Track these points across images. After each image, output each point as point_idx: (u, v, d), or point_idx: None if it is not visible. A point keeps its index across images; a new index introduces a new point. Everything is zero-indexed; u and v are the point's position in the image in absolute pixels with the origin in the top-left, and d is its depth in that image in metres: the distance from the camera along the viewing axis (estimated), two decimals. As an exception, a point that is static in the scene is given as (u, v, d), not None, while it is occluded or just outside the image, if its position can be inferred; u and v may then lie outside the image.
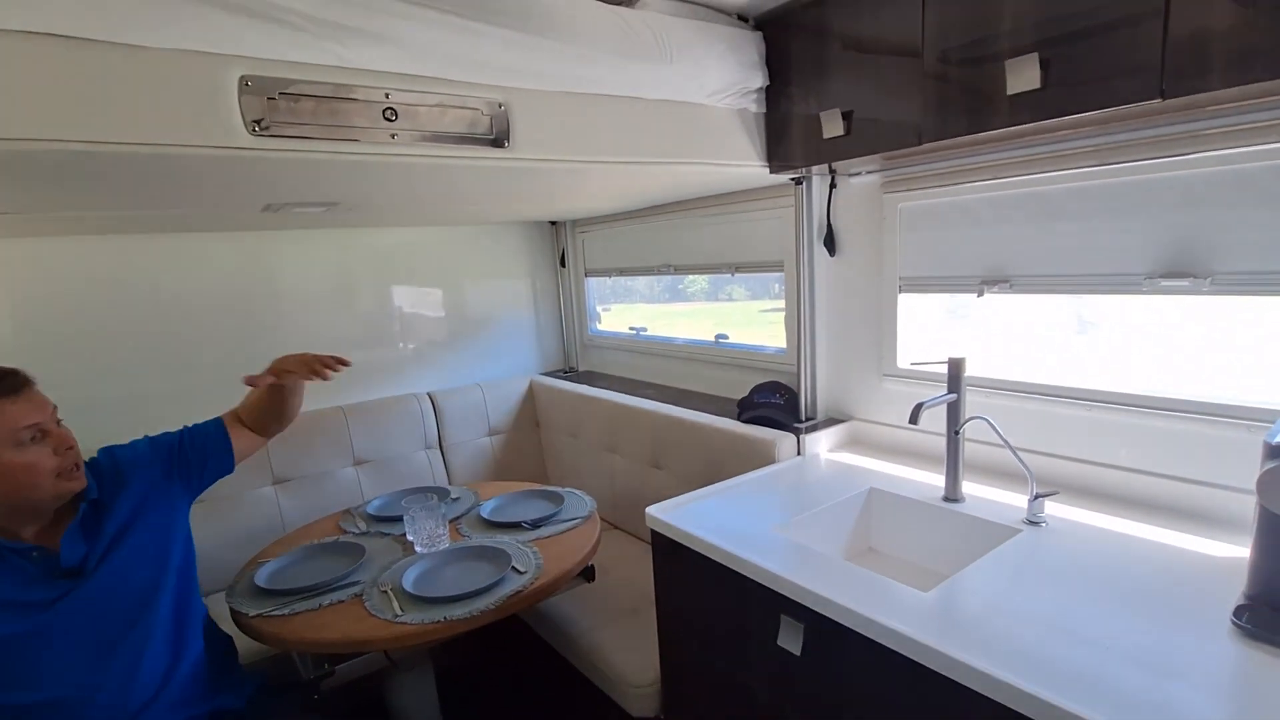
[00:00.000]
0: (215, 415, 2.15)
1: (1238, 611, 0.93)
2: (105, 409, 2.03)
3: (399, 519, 1.79)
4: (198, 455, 1.45)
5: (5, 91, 0.82)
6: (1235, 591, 0.96)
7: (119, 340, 2.05)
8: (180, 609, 1.34)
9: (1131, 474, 1.34)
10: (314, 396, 2.38)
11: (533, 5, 1.18)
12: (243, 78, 0.96)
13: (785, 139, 1.60)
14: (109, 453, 1.39)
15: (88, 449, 1.87)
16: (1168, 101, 0.99)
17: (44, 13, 0.82)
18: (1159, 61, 0.97)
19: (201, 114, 0.94)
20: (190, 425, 1.50)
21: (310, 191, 1.45)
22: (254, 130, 0.98)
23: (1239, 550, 1.10)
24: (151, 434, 2.03)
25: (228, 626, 1.47)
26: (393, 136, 1.11)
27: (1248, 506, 1.06)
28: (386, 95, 1.09)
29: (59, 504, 1.22)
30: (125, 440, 1.96)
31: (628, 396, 2.35)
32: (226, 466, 1.50)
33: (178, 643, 1.32)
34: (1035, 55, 1.08)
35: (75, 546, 1.21)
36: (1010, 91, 1.12)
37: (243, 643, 1.48)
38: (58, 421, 1.22)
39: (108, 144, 0.89)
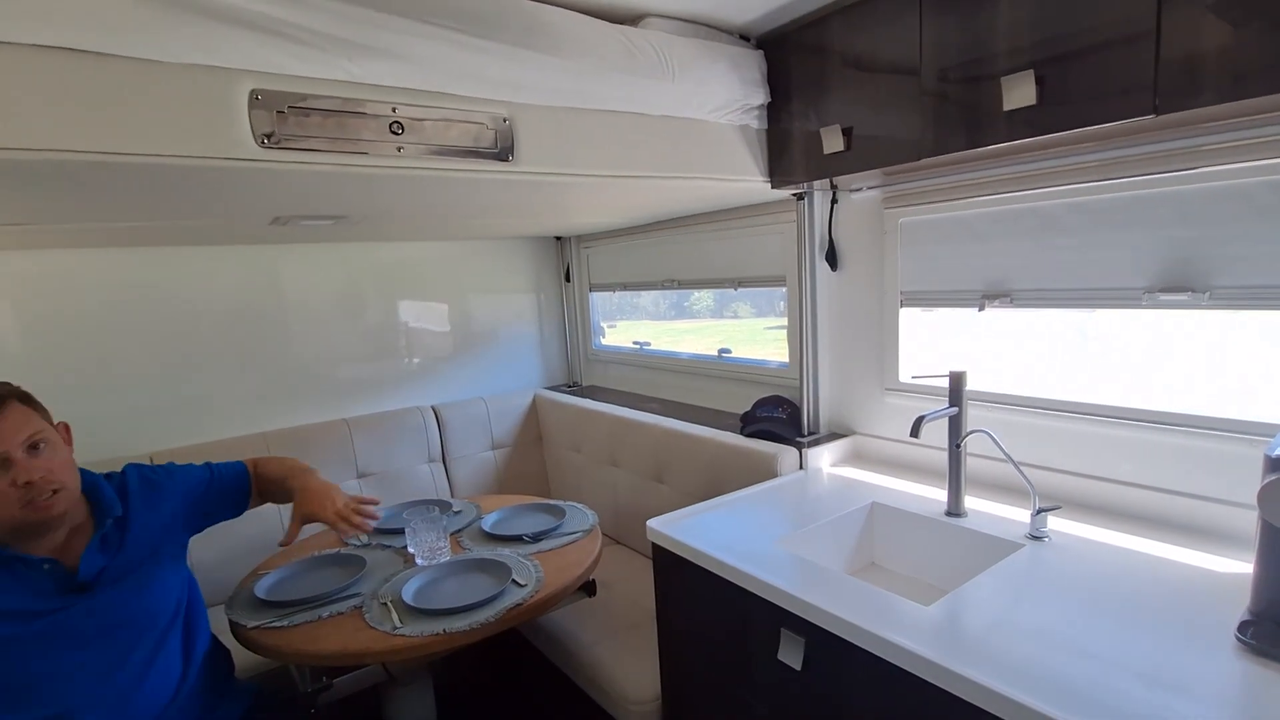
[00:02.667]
0: (218, 425, 2.20)
1: (1242, 627, 0.92)
2: (114, 420, 2.05)
3: (400, 531, 1.78)
4: (217, 498, 1.44)
5: (22, 103, 0.84)
6: (1239, 607, 0.96)
7: (128, 352, 2.07)
8: (189, 639, 1.33)
9: (1134, 489, 1.33)
10: (317, 409, 2.40)
11: (537, 23, 1.21)
12: (253, 92, 0.98)
13: (787, 155, 1.62)
14: (139, 472, 1.37)
15: (97, 460, 1.90)
16: (1162, 118, 1.01)
17: (60, 27, 0.84)
18: (1152, 79, 0.99)
19: (212, 127, 0.96)
20: (216, 465, 1.48)
21: (318, 204, 1.48)
22: (263, 143, 1.00)
23: (1242, 565, 1.10)
24: (159, 444, 2.07)
25: (226, 639, 1.47)
26: (399, 150, 1.13)
27: (1251, 521, 1.05)
28: (393, 109, 1.11)
29: (55, 523, 1.17)
30: (133, 449, 2.01)
31: (630, 410, 2.35)
32: (237, 513, 1.49)
33: (185, 669, 1.31)
34: (1030, 72, 1.09)
35: (93, 561, 1.20)
36: (1007, 108, 1.13)
37: (240, 656, 1.47)
38: (37, 445, 1.14)
39: (121, 155, 0.91)
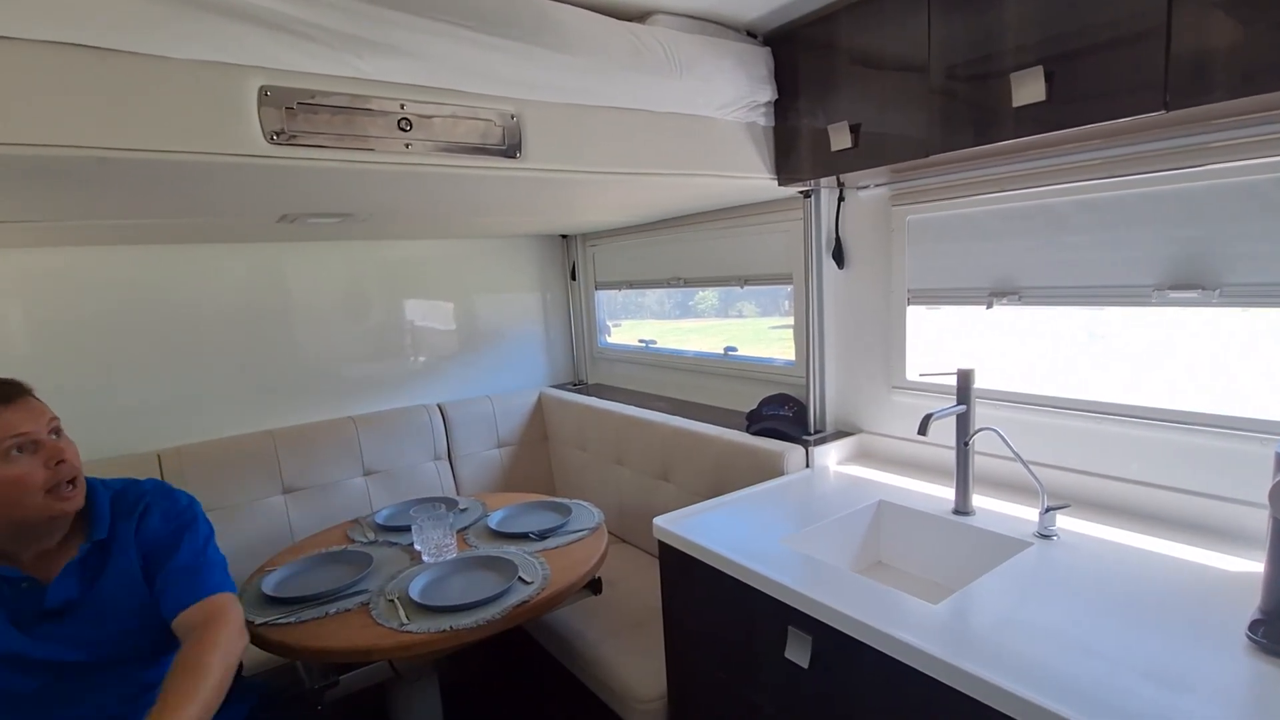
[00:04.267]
0: (225, 423, 2.21)
1: (1253, 626, 0.91)
2: (120, 417, 2.06)
3: (407, 529, 1.79)
4: (162, 581, 1.23)
5: (32, 99, 0.85)
6: (1249, 606, 0.95)
7: (134, 349, 2.08)
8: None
9: (1143, 487, 1.32)
10: (324, 407, 2.41)
11: (546, 20, 1.21)
12: (262, 88, 0.98)
13: (794, 152, 1.61)
14: (162, 491, 1.29)
15: (105, 458, 1.91)
16: (1172, 114, 1.00)
17: (71, 24, 0.84)
18: (1162, 76, 0.98)
19: (222, 123, 0.97)
20: (204, 561, 1.26)
21: (326, 201, 1.48)
22: (272, 139, 1.01)
23: (1253, 564, 1.09)
24: (165, 441, 2.07)
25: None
26: (407, 146, 1.13)
27: (1261, 520, 1.05)
28: (401, 106, 1.11)
29: (56, 525, 1.15)
30: (140, 446, 2.02)
31: (636, 409, 2.35)
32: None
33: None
34: (1040, 68, 1.09)
35: (66, 587, 1.14)
36: (1016, 104, 1.13)
37: (248, 652, 1.47)
38: (56, 433, 1.13)
39: (131, 151, 0.91)
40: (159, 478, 1.98)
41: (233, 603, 1.23)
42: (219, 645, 1.11)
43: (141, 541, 1.22)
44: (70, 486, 1.13)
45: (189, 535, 1.26)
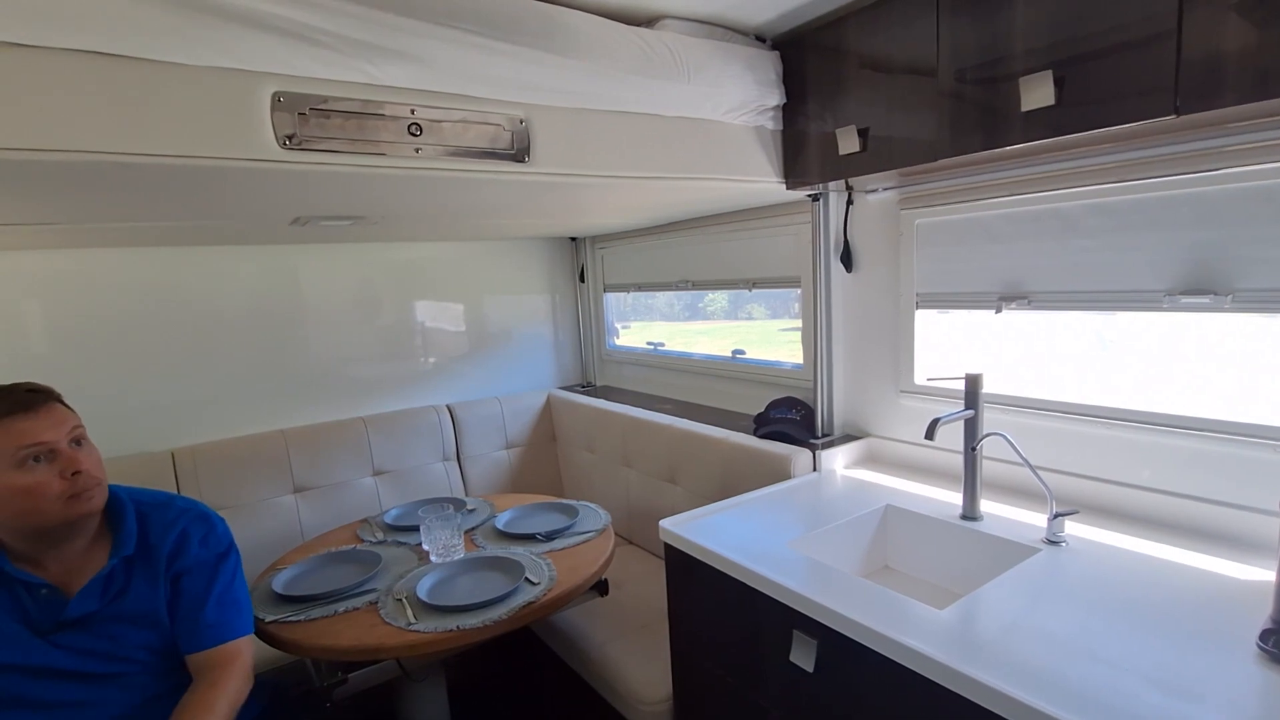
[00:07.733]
0: (238, 423, 2.23)
1: (1263, 635, 0.90)
2: (135, 417, 2.09)
3: (415, 529, 1.81)
4: (180, 607, 1.24)
5: (52, 105, 0.86)
6: (1260, 615, 0.94)
7: (148, 350, 2.11)
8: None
9: (1153, 494, 1.31)
10: (334, 407, 2.43)
11: (555, 26, 1.21)
12: (275, 94, 1.00)
13: (802, 156, 1.61)
14: (199, 515, 1.29)
15: (119, 456, 1.93)
16: (1184, 118, 0.99)
17: (90, 31, 0.86)
18: (1173, 79, 0.98)
19: (235, 129, 0.98)
20: (232, 599, 1.28)
21: (338, 205, 1.50)
22: (285, 145, 1.02)
23: (1264, 573, 1.08)
24: (179, 440, 2.10)
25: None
26: (417, 151, 1.14)
27: (1273, 528, 1.04)
28: (412, 111, 1.12)
29: (76, 529, 1.15)
30: (154, 445, 2.04)
31: (644, 411, 2.36)
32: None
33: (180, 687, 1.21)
34: (1049, 72, 1.08)
35: (88, 602, 1.15)
36: (1025, 108, 1.12)
37: (257, 650, 1.49)
38: (78, 441, 1.14)
39: (147, 156, 0.93)
40: (173, 475, 2.02)
41: (247, 647, 1.27)
42: (229, 694, 1.18)
43: (176, 565, 1.23)
44: (90, 491, 1.13)
45: (224, 567, 1.28)
